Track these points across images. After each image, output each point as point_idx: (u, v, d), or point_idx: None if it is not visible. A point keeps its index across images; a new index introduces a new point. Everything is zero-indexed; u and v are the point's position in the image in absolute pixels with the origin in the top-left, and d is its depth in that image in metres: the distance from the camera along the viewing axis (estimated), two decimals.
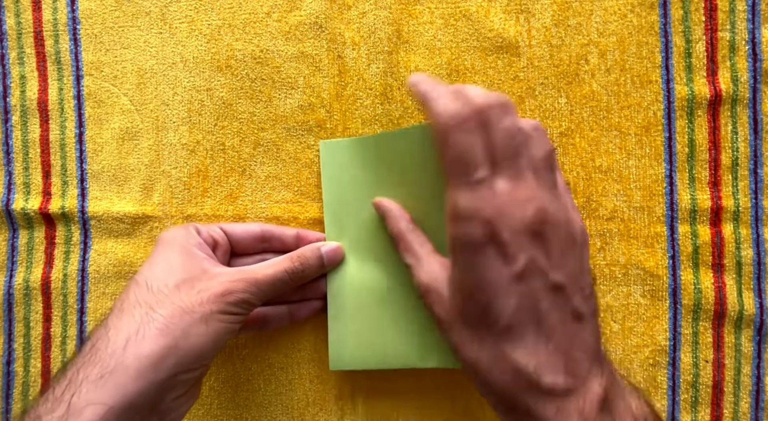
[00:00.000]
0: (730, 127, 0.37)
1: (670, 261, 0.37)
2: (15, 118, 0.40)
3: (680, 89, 0.37)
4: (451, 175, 0.27)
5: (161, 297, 0.29)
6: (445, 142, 0.27)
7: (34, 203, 0.40)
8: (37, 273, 0.40)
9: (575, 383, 0.26)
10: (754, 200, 0.37)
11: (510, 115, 0.27)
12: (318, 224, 0.39)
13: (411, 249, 0.32)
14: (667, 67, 0.37)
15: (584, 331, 0.27)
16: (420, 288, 0.30)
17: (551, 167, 0.28)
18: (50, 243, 0.40)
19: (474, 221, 0.26)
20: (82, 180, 0.40)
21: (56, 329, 0.40)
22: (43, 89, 0.40)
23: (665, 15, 0.37)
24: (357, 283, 0.37)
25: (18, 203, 0.40)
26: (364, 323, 0.36)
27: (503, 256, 0.26)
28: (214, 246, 0.35)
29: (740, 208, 0.36)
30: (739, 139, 0.37)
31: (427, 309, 0.30)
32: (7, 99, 0.40)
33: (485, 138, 0.27)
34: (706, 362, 0.37)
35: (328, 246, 0.36)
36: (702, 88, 0.37)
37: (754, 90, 0.36)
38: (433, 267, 0.30)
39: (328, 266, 0.36)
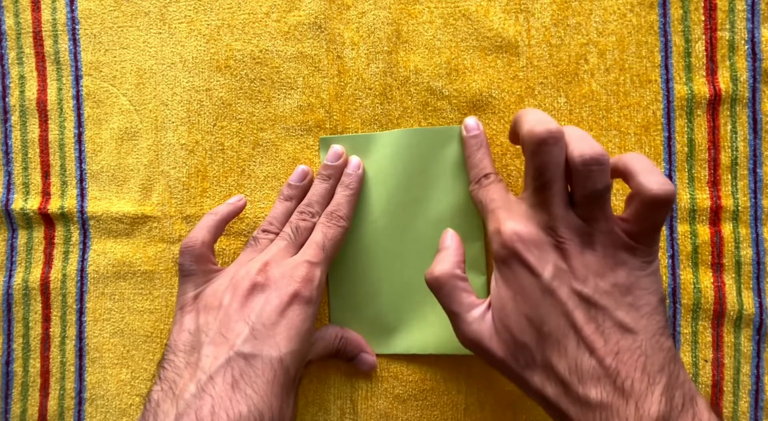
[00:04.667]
0: (729, 127, 0.37)
1: (670, 260, 0.37)
2: (14, 118, 0.40)
3: (680, 89, 0.37)
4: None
5: (294, 389, 0.31)
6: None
7: (33, 203, 0.40)
8: (36, 273, 0.40)
9: (622, 397, 0.25)
10: (753, 200, 0.37)
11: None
12: None
13: (458, 299, 0.31)
14: (666, 67, 0.37)
15: (636, 345, 0.26)
16: (465, 343, 0.31)
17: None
18: (49, 243, 0.40)
19: (495, 241, 0.30)
20: (81, 180, 0.40)
21: (55, 329, 0.40)
22: (42, 89, 0.40)
23: (665, 14, 0.37)
24: (356, 271, 0.38)
25: (17, 203, 0.40)
26: (364, 310, 0.38)
27: (530, 269, 0.29)
28: None
29: (739, 208, 0.36)
30: (738, 139, 0.37)
31: (480, 358, 0.31)
32: (6, 99, 0.40)
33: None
34: (706, 361, 0.37)
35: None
36: (701, 87, 0.37)
37: (754, 89, 0.36)
38: (474, 319, 0.30)
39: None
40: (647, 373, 0.26)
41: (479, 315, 0.30)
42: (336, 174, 0.37)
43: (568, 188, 0.30)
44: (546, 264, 0.28)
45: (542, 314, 0.28)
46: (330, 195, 0.37)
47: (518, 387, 0.29)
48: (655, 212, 0.27)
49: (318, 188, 0.36)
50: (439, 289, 0.31)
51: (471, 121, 0.37)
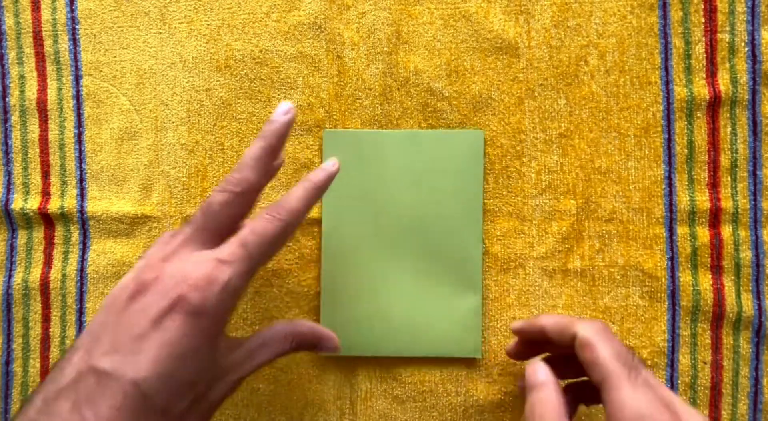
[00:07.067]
0: (729, 129, 0.37)
1: (669, 262, 0.37)
2: (14, 118, 0.40)
3: (679, 91, 0.37)
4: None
5: (165, 407, 0.24)
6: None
7: (33, 203, 0.40)
8: (36, 273, 0.40)
9: None
10: (753, 202, 0.37)
11: None
12: (316, 224, 0.39)
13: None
14: (666, 69, 0.37)
15: None
16: None
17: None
18: (49, 243, 0.40)
19: None
20: (81, 180, 0.40)
21: (55, 329, 0.40)
22: (42, 89, 0.40)
23: (665, 16, 0.37)
24: (351, 272, 0.38)
25: (17, 203, 0.40)
26: (356, 311, 0.38)
27: None
28: None
29: (739, 210, 0.36)
30: (738, 141, 0.37)
31: None
32: (6, 99, 0.40)
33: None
34: (705, 363, 0.37)
35: (328, 340, 0.32)
36: (701, 89, 0.36)
37: (754, 92, 0.36)
38: None
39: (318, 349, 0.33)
40: None
41: None
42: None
43: None
44: None
45: None
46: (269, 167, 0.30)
47: None
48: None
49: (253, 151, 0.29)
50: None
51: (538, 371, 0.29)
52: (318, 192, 0.30)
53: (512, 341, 0.35)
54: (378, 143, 0.38)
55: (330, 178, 0.31)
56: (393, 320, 0.38)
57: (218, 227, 0.28)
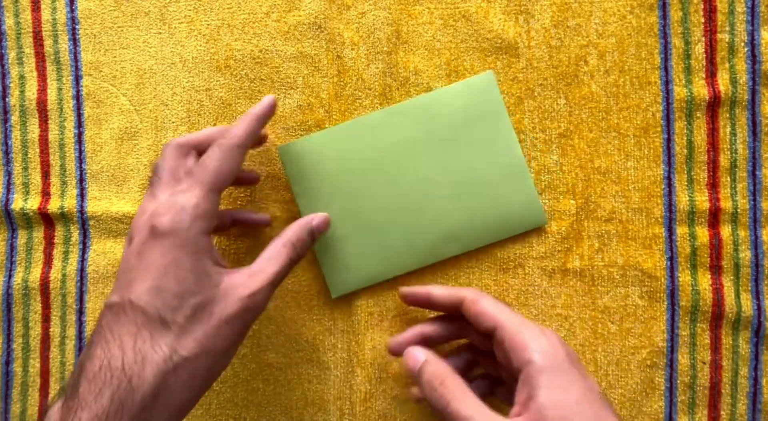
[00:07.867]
0: (728, 129, 0.37)
1: (668, 262, 0.37)
2: (14, 118, 0.40)
3: (679, 91, 0.37)
4: None
5: (180, 333, 0.28)
6: None
7: (33, 203, 0.40)
8: (36, 273, 0.40)
9: None
10: (752, 202, 0.37)
11: None
12: None
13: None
14: (666, 69, 0.37)
15: None
16: None
17: None
18: (49, 243, 0.40)
19: None
20: (81, 180, 0.40)
21: (55, 329, 0.40)
22: (43, 89, 0.40)
23: (664, 16, 0.37)
24: (338, 215, 0.38)
25: (17, 203, 0.40)
26: (352, 245, 0.38)
27: None
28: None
29: (738, 210, 0.37)
30: (737, 141, 0.37)
31: None
32: (6, 99, 0.40)
33: None
34: (704, 363, 0.37)
35: (317, 219, 0.34)
36: (701, 89, 0.37)
37: (753, 92, 0.36)
38: None
39: (317, 237, 0.35)
40: None
41: None
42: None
43: None
44: None
45: None
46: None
47: None
48: None
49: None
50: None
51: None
52: (259, 122, 0.33)
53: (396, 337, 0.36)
54: (330, 140, 0.38)
55: (269, 108, 0.34)
56: (393, 240, 0.38)
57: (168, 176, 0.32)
